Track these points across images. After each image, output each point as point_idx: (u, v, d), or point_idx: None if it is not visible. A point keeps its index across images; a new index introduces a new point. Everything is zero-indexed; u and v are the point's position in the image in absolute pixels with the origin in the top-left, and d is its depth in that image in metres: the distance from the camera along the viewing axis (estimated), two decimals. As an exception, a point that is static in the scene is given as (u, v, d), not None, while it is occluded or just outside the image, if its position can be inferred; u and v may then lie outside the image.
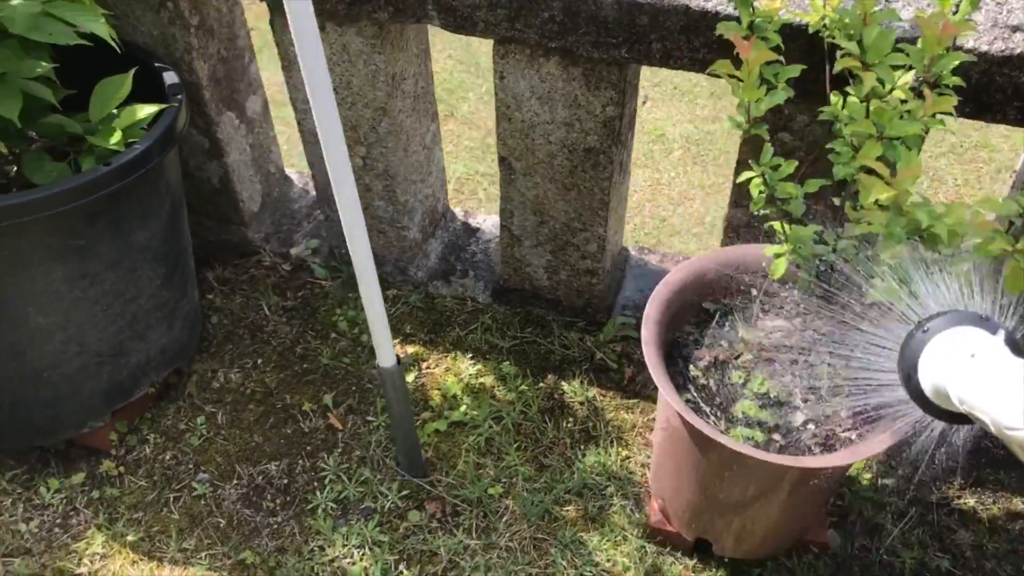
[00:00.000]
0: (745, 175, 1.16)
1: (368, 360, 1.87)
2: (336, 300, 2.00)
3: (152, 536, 1.58)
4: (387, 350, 1.44)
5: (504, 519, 1.61)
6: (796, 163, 1.13)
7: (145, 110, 1.51)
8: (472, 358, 1.87)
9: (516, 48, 1.49)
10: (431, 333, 1.93)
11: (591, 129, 1.55)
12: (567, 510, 1.62)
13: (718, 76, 1.15)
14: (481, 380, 1.83)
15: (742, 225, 1.61)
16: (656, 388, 1.79)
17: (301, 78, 1.68)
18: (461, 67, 3.38)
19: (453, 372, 1.85)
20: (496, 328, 1.92)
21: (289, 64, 1.68)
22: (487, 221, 2.14)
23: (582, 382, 1.81)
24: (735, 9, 1.19)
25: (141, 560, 1.55)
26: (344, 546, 1.57)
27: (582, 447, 1.71)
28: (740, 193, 1.57)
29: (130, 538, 1.58)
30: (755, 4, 1.17)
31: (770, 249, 1.22)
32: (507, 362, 1.85)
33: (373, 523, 1.59)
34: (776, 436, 1.33)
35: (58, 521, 1.61)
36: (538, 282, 1.89)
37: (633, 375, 1.83)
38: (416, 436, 1.63)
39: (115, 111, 1.53)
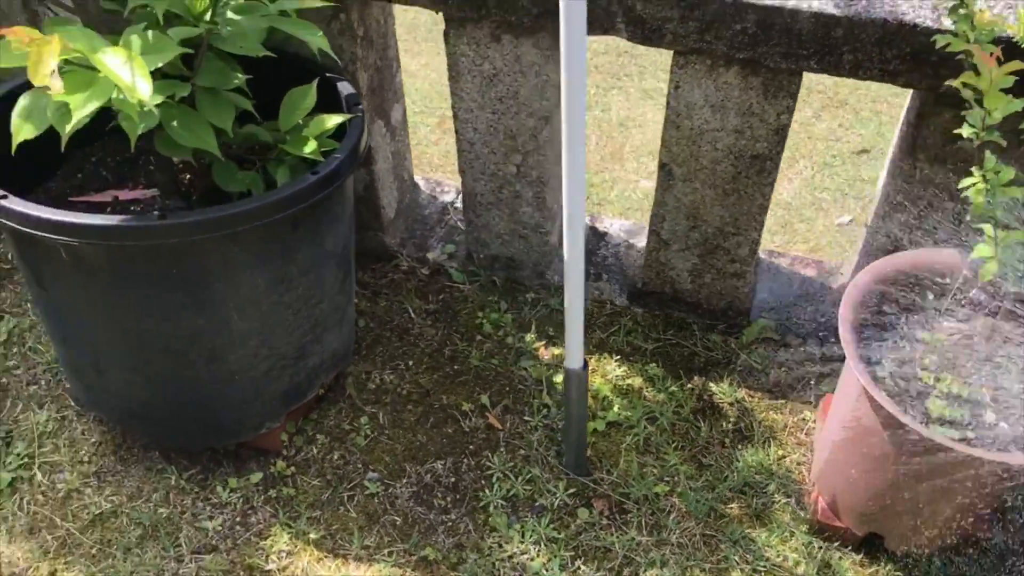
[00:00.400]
0: (967, 181, 1.21)
1: (515, 361, 1.92)
2: (476, 304, 2.05)
3: (333, 534, 1.63)
4: (577, 351, 1.48)
5: (672, 516, 1.65)
6: (1014, 170, 1.18)
7: (333, 120, 1.56)
8: (617, 360, 1.91)
9: (697, 59, 1.53)
10: (573, 335, 1.97)
11: (762, 136, 1.60)
12: (731, 507, 1.67)
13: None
14: (628, 381, 1.88)
15: (904, 229, 1.65)
16: (803, 389, 1.84)
17: (467, 88, 1.73)
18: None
19: (600, 374, 1.90)
20: (638, 330, 1.97)
21: (457, 75, 1.72)
22: (613, 225, 2.19)
23: (730, 383, 1.86)
24: (952, 23, 1.24)
25: (326, 557, 1.60)
26: (521, 543, 1.61)
27: (738, 447, 1.76)
28: (908, 198, 1.61)
29: (312, 536, 1.62)
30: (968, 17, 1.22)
31: (979, 251, 1.26)
32: (653, 364, 1.90)
33: (546, 520, 1.64)
34: (969, 434, 1.38)
35: (238, 519, 1.65)
36: (680, 285, 1.94)
37: (779, 376, 1.88)
38: (586, 436, 1.67)
39: (301, 121, 1.57)
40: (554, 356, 1.93)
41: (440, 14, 1.64)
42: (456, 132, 1.84)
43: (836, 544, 1.61)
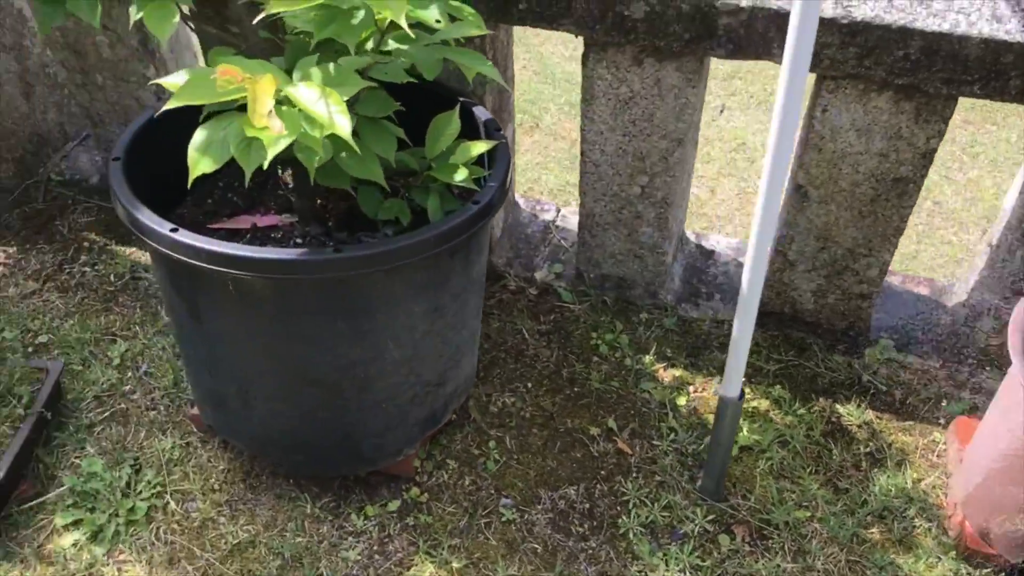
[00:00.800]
0: None
1: (636, 384, 1.90)
2: (588, 324, 2.03)
3: (476, 562, 1.61)
4: (737, 380, 1.47)
5: (815, 542, 1.64)
6: None
7: (478, 147, 1.54)
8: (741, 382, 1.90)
9: (849, 83, 1.52)
10: (691, 356, 1.96)
11: (907, 160, 1.59)
12: (873, 532, 1.65)
13: None
14: (755, 404, 1.86)
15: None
16: (930, 410, 1.83)
17: (599, 110, 1.72)
18: (538, 78, 3.51)
19: (723, 395, 1.88)
20: (759, 352, 1.95)
21: (591, 97, 1.71)
22: (720, 243, 2.18)
23: (857, 405, 1.84)
24: None
25: (471, 586, 1.58)
26: (667, 571, 1.60)
27: (873, 470, 1.74)
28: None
29: (456, 565, 1.61)
30: None
31: None
32: (777, 386, 1.89)
33: (688, 547, 1.62)
34: None
35: (376, 548, 1.64)
36: (801, 305, 1.92)
37: (904, 397, 1.86)
38: (728, 462, 1.66)
39: (446, 148, 1.56)
40: (674, 378, 1.92)
41: (580, 38, 1.62)
42: (581, 154, 1.83)
43: (986, 571, 1.59)
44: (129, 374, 1.93)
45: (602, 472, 1.76)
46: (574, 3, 1.53)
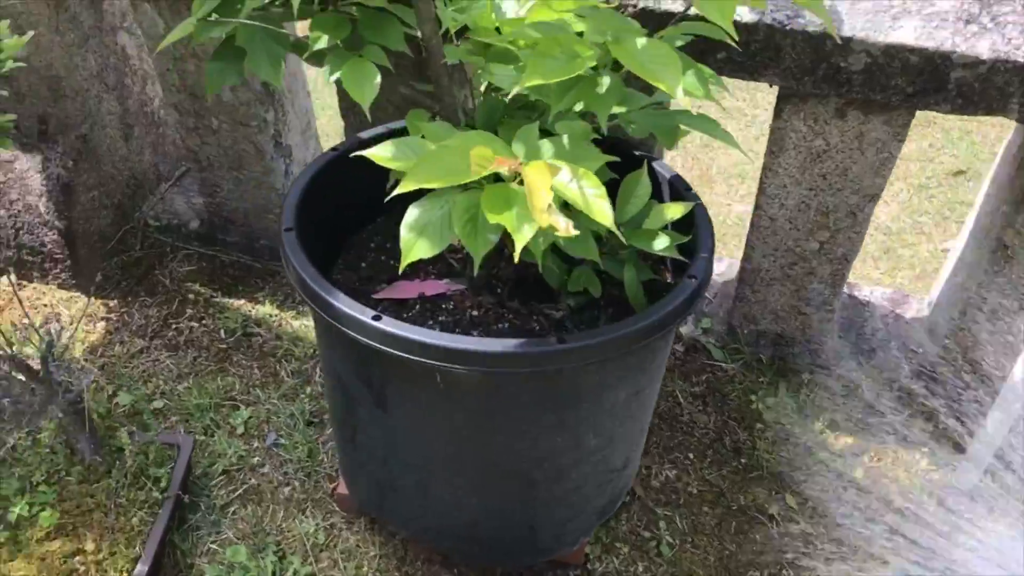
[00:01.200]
0: None
1: (808, 454, 1.76)
2: (745, 386, 1.89)
3: (665, 663, 1.47)
4: (978, 471, 1.33)
5: (1034, 638, 1.49)
6: None
7: (674, 211, 1.39)
8: (922, 449, 1.76)
9: (1087, 139, 1.38)
10: (861, 423, 1.82)
11: None
12: (1094, 626, 1.51)
13: None
14: (936, 475, 1.72)
15: None
16: None
17: (786, 164, 1.58)
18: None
19: (902, 465, 1.74)
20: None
21: (779, 150, 1.57)
22: (874, 294, 2.04)
23: (1053, 478, 1.70)
24: None
25: None
26: (877, 672, 1.45)
27: (1083, 553, 1.60)
28: None
29: (644, 666, 1.47)
30: None
31: None
32: (961, 455, 1.75)
33: (896, 644, 1.48)
34: None
35: (551, 646, 1.50)
36: (982, 367, 1.78)
37: (1102, 468, 1.72)
38: (937, 550, 1.51)
39: (637, 211, 1.42)
40: (847, 446, 1.78)
41: (775, 88, 1.48)
42: (756, 207, 1.69)
43: None
44: (256, 444, 1.79)
45: (787, 555, 1.61)
46: (784, 54, 1.39)
